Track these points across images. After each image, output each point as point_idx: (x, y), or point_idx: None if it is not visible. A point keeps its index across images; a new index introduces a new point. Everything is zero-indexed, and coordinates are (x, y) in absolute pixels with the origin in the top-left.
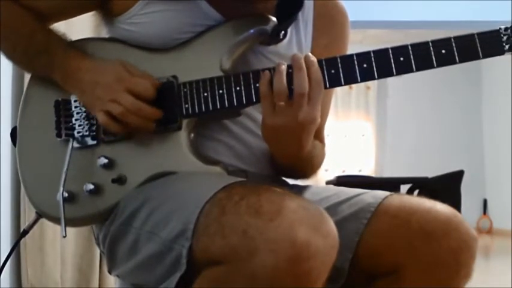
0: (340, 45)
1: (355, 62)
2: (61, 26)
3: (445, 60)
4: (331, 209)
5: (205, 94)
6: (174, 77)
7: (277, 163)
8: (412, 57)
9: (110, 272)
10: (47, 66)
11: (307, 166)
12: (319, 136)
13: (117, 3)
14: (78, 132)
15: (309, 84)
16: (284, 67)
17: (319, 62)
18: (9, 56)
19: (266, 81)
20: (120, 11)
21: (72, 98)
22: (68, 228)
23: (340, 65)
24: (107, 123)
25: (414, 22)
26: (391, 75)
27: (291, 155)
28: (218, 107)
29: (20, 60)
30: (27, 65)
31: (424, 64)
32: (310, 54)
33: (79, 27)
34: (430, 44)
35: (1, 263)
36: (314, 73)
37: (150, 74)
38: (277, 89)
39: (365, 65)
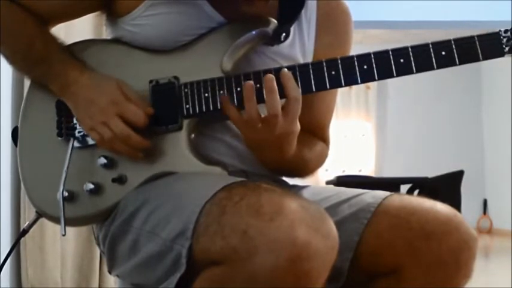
0: (344, 45)
1: (356, 64)
2: (61, 27)
3: (445, 62)
4: (331, 209)
5: (206, 95)
6: (176, 77)
7: (264, 166)
8: (412, 58)
9: (110, 272)
10: (45, 76)
11: (298, 168)
12: (323, 135)
13: (120, 4)
14: (79, 132)
15: (286, 101)
16: (253, 89)
17: (320, 63)
18: (10, 62)
19: (232, 108)
20: (124, 12)
21: None
22: (68, 228)
23: (340, 66)
24: (100, 142)
25: (414, 22)
26: (391, 76)
27: (274, 160)
28: (219, 107)
29: (20, 67)
30: (26, 73)
31: (424, 66)
32: (286, 70)
33: (78, 27)
34: (430, 45)
35: (1, 262)
36: (290, 90)
37: (146, 101)
38: (250, 117)
39: (365, 67)
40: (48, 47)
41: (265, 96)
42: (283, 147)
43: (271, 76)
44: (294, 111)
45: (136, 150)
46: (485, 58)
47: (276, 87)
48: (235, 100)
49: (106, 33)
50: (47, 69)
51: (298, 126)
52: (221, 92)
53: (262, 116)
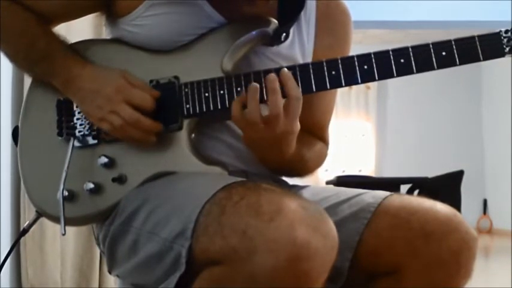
0: (343, 45)
1: (356, 64)
2: (61, 27)
3: (446, 62)
4: (331, 209)
5: (207, 94)
6: (176, 77)
7: (264, 166)
8: (412, 59)
9: (110, 272)
10: (48, 72)
11: (298, 168)
12: (322, 135)
13: (120, 4)
14: (79, 132)
15: (287, 100)
16: (257, 91)
17: (320, 63)
18: (12, 60)
19: (238, 106)
20: (124, 13)
21: None
22: (68, 228)
23: (340, 67)
24: (112, 131)
25: (414, 22)
26: (392, 76)
27: (274, 160)
28: (219, 107)
29: (21, 65)
30: (28, 70)
31: (424, 66)
32: (285, 70)
33: (78, 27)
34: (431, 46)
35: (1, 263)
36: (291, 89)
37: (149, 81)
38: (251, 117)
39: (365, 67)
40: (51, 45)
41: (267, 97)
42: (283, 147)
43: (273, 76)
44: (295, 111)
45: (149, 134)
46: (486, 58)
47: (279, 87)
48: None
49: (106, 33)
50: (50, 66)
51: (298, 126)
52: (221, 92)
53: (264, 115)
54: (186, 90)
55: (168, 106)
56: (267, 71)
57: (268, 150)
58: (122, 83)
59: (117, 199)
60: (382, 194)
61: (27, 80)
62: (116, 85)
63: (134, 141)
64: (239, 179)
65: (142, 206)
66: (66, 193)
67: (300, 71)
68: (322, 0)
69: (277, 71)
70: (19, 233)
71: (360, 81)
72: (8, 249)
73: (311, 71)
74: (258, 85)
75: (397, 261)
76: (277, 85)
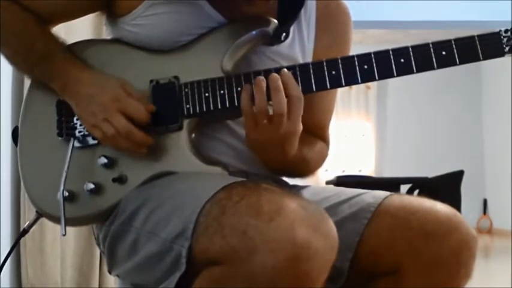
0: (343, 45)
1: (356, 63)
2: (61, 27)
3: (446, 62)
4: (331, 209)
5: (207, 94)
6: (176, 77)
7: (266, 167)
8: (412, 58)
9: (110, 272)
10: (46, 74)
11: (299, 168)
12: (323, 135)
13: (120, 4)
14: (79, 132)
15: (288, 101)
16: (264, 83)
17: (320, 63)
18: (11, 62)
19: (247, 97)
20: (124, 12)
21: None
22: (68, 228)
23: (340, 66)
24: (103, 140)
25: (414, 22)
26: (392, 76)
27: (276, 161)
28: (219, 107)
29: (21, 67)
30: (28, 72)
31: (424, 65)
32: (285, 70)
33: (78, 27)
34: (431, 45)
35: (1, 262)
36: (292, 89)
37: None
38: (259, 108)
39: (366, 66)
40: (49, 46)
41: (271, 96)
42: (286, 148)
43: (276, 76)
44: (297, 111)
45: (139, 146)
46: (486, 58)
47: (282, 86)
48: (236, 100)
49: (106, 33)
50: (48, 69)
51: (301, 126)
52: (221, 91)
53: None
54: (186, 90)
55: (168, 106)
56: (267, 71)
57: (272, 151)
58: (119, 92)
59: (117, 199)
60: (382, 194)
61: (27, 80)
62: (113, 94)
63: (124, 151)
64: (239, 179)
65: (143, 206)
66: (66, 193)
67: (300, 71)
68: (322, 0)
69: (277, 70)
70: (19, 233)
71: (360, 81)
72: (8, 249)
73: (311, 70)
74: (264, 78)
75: (397, 261)
76: (280, 84)
